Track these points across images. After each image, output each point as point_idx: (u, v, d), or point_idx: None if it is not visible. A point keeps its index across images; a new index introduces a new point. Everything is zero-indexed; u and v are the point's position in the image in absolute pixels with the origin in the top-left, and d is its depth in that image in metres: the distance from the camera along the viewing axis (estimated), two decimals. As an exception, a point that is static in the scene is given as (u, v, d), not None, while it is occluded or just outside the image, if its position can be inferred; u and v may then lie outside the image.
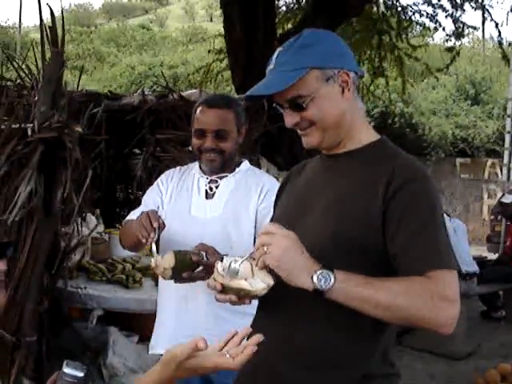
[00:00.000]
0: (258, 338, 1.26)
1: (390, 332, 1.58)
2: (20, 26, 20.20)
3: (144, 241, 2.08)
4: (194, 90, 5.72)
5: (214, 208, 2.35)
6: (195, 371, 1.25)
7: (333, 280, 1.40)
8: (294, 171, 1.81)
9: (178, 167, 2.52)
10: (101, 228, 4.58)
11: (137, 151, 5.88)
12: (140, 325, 3.70)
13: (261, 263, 1.46)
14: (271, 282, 1.47)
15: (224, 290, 1.49)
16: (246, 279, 1.47)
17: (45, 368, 3.02)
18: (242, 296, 1.50)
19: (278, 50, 1.58)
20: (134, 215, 2.45)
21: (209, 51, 10.67)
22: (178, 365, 1.24)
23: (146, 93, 5.31)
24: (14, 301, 2.79)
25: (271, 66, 1.58)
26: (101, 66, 25.94)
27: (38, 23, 3.72)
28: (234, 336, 1.29)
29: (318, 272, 1.40)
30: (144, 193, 6.19)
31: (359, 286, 1.41)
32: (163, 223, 2.13)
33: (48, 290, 3.06)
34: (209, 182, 2.38)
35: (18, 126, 2.96)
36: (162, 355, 2.42)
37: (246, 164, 2.44)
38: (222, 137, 2.30)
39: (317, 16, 7.28)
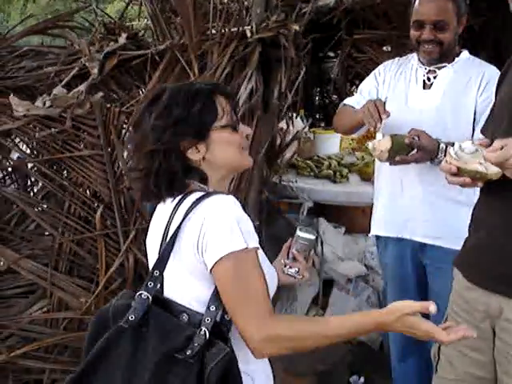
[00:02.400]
0: (472, 333, 1.29)
1: None
2: None
3: (372, 129, 2.21)
4: (393, -14, 5.52)
5: (432, 99, 2.37)
6: (408, 329, 1.29)
7: None
8: None
9: (396, 58, 2.56)
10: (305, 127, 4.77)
11: (331, 54, 5.90)
12: (346, 217, 3.89)
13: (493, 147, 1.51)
14: None
15: (459, 172, 1.57)
16: (480, 163, 1.53)
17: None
18: (476, 179, 1.57)
19: None
20: (350, 102, 2.58)
21: None
22: (399, 316, 1.29)
23: (342, -8, 5.25)
24: (239, 189, 3.07)
25: None
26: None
27: None
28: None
29: None
30: (339, 96, 6.20)
31: None
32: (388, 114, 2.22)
33: (266, 181, 3.34)
34: (427, 73, 2.40)
35: (236, 29, 3.16)
36: (377, 237, 2.60)
37: (465, 54, 2.41)
38: (440, 27, 2.29)
39: None
